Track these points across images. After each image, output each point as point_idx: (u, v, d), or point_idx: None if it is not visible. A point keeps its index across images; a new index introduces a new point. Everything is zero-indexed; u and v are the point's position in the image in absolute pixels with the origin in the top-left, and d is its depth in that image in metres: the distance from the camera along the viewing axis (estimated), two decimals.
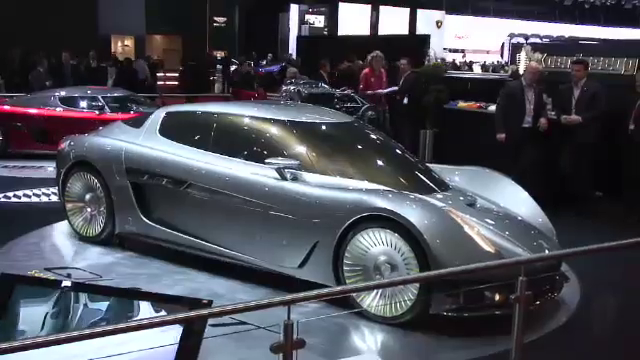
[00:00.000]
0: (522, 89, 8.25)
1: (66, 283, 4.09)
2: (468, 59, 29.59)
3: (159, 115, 6.41)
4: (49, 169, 8.54)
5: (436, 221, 4.59)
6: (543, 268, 4.51)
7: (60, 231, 6.71)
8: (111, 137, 6.48)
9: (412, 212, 4.57)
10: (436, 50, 29.35)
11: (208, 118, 6.06)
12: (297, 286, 4.95)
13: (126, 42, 23.19)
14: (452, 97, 10.83)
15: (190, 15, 23.47)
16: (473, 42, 34.18)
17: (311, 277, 4.96)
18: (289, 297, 2.80)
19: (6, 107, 10.62)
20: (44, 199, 8.12)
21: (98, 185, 6.24)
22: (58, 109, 10.26)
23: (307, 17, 34.07)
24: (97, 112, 10.07)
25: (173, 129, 6.17)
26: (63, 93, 10.85)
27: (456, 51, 33.19)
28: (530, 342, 4.17)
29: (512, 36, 28.98)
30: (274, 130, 5.62)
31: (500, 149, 8.21)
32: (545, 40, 24.58)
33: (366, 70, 11.18)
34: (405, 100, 11.29)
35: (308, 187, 5.09)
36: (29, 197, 8.16)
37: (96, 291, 3.94)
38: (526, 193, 5.61)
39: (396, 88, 9.22)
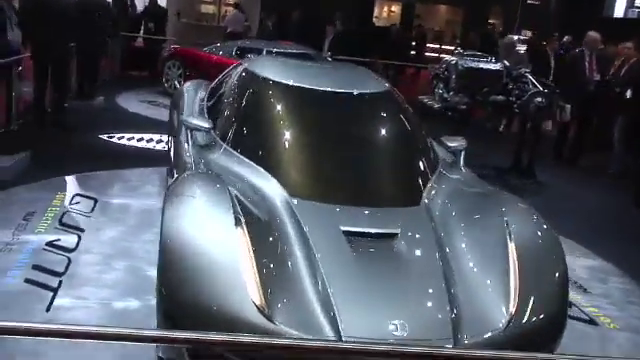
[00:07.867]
0: None
1: None
2: None
3: (236, 68, 5.81)
4: None
5: (192, 226, 3.02)
6: None
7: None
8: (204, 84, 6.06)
9: (177, 207, 3.12)
10: None
11: (239, 77, 5.22)
12: None
13: (392, 8, 22.47)
14: None
15: None
16: None
17: None
18: None
19: (193, 51, 10.95)
20: None
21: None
22: (228, 58, 10.20)
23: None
24: None
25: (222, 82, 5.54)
26: (243, 45, 10.83)
27: None
28: None
29: None
30: (259, 90, 4.43)
31: None
32: None
33: None
34: (628, 93, 9.11)
35: (194, 157, 4.05)
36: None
37: None
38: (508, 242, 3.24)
39: None
